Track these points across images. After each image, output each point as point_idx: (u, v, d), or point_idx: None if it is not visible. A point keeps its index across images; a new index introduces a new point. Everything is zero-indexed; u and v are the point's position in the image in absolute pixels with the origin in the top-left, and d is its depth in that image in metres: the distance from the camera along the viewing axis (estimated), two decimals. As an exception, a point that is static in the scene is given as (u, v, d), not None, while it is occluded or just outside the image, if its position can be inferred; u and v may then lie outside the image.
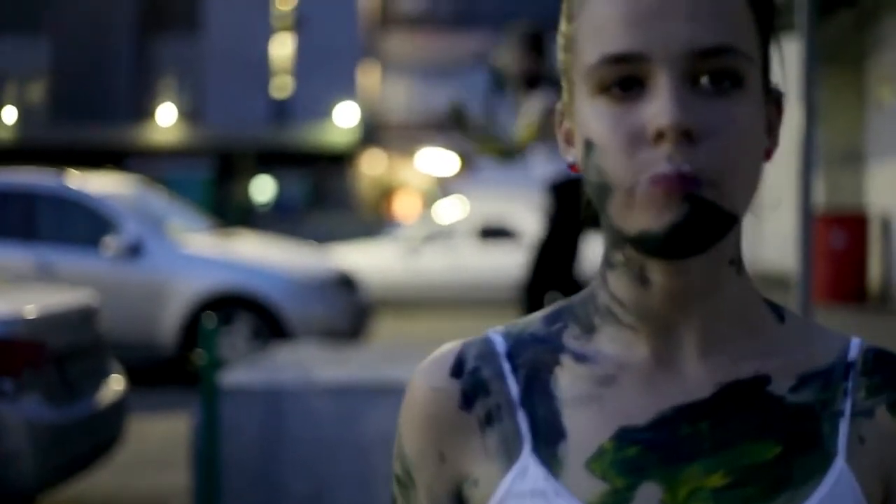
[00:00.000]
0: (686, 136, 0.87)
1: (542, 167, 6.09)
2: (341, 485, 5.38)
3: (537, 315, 1.01)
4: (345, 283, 10.38)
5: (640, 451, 0.92)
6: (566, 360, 0.97)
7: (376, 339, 11.25)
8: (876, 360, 0.97)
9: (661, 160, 0.87)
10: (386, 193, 67.09)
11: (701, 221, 0.87)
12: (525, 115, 5.69)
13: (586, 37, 0.92)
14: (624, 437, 0.92)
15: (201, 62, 62.56)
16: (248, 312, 9.63)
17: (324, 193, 64.37)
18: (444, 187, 31.07)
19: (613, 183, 0.89)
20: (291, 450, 5.40)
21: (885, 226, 14.05)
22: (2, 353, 4.92)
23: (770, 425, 0.93)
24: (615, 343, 0.96)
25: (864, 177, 15.25)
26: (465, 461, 0.98)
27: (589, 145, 0.91)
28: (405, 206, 41.05)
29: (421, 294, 15.04)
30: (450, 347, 1.01)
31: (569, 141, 0.97)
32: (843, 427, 0.94)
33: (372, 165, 65.89)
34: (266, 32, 63.96)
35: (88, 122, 59.93)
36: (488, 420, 0.97)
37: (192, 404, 7.28)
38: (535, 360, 0.98)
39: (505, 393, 0.97)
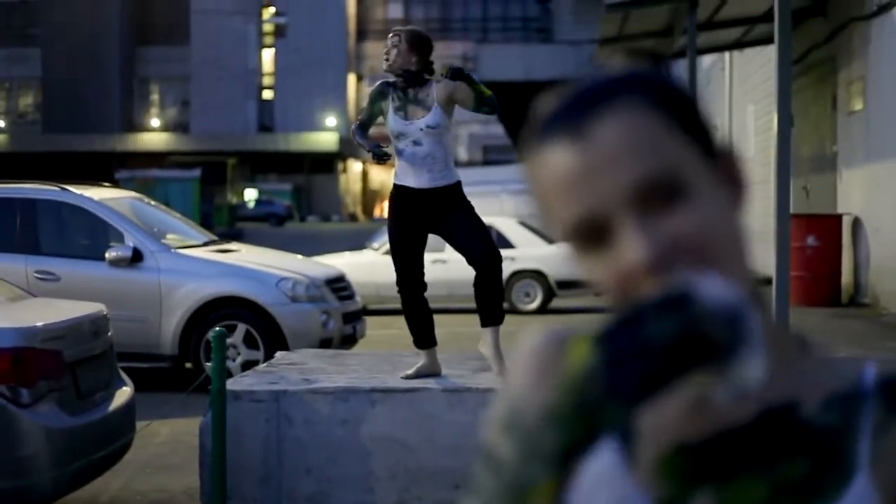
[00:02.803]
0: (664, 263, 0.97)
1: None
2: (345, 486, 5.57)
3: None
4: (339, 289, 10.59)
5: (696, 462, 1.05)
6: None
7: (365, 346, 11.43)
8: (889, 384, 1.08)
9: (658, 291, 0.95)
10: (370, 199, 67.08)
11: None
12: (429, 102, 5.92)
13: (547, 210, 1.03)
14: (683, 448, 1.05)
15: (189, 72, 62.58)
16: (245, 318, 9.84)
17: (309, 199, 64.42)
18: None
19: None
20: (296, 453, 5.59)
21: (855, 228, 14.28)
22: (18, 363, 5.11)
23: (801, 445, 1.05)
24: None
25: (836, 181, 15.45)
26: None
27: (598, 284, 1.03)
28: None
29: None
30: (564, 327, 1.11)
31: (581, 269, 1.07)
32: (865, 445, 1.05)
33: (356, 172, 66.01)
34: (253, 43, 64.08)
35: (79, 131, 59.84)
36: None
37: (193, 408, 7.52)
38: None
39: None
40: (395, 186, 5.97)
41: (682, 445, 1.05)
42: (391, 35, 6.03)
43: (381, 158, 6.00)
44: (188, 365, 9.92)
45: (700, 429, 1.06)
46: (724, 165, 1.03)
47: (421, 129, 5.86)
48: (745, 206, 1.05)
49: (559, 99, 1.03)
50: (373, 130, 6.25)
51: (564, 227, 1.01)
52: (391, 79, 6.00)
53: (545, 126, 1.02)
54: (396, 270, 5.90)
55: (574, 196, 0.99)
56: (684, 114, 1.01)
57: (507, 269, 5.79)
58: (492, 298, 5.84)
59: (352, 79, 66.65)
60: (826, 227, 13.93)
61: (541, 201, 1.04)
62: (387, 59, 5.96)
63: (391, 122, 5.94)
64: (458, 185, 5.99)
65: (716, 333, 0.90)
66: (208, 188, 39.81)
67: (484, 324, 5.85)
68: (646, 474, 1.05)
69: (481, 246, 5.83)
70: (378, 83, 6.09)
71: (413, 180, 5.88)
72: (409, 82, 5.93)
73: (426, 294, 6.02)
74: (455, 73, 5.97)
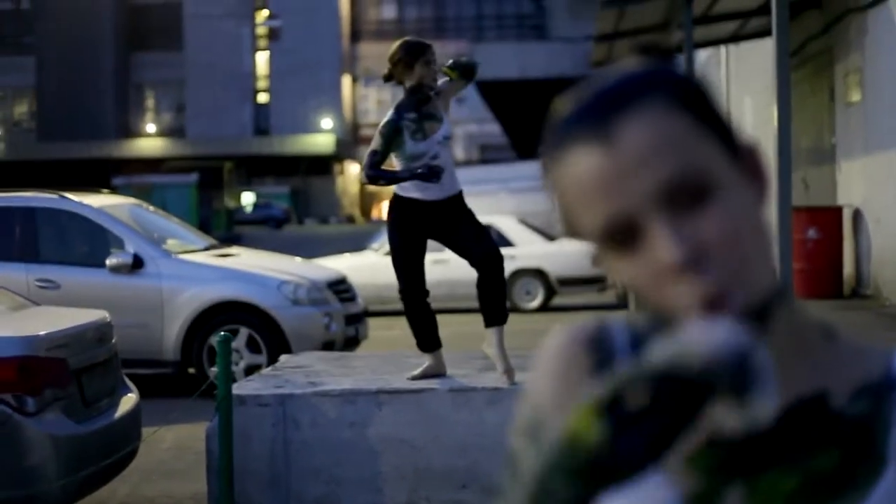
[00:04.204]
0: (695, 261, 0.97)
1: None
2: (353, 488, 5.57)
3: (645, 317, 1.12)
4: (341, 291, 10.59)
5: (727, 456, 1.05)
6: None
7: (368, 347, 11.42)
8: None
9: (689, 293, 0.98)
10: (368, 200, 67.09)
11: (754, 322, 0.99)
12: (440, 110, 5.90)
13: (572, 212, 1.02)
14: (714, 442, 1.04)
15: (183, 77, 62.61)
16: (247, 323, 9.84)
17: (307, 202, 64.44)
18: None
19: (667, 309, 1.01)
20: (303, 456, 5.58)
21: (856, 220, 14.27)
22: (23, 372, 5.10)
23: (832, 436, 1.05)
24: None
25: (835, 173, 15.44)
26: None
27: (626, 287, 1.04)
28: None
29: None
30: (592, 321, 1.13)
31: (607, 273, 1.07)
32: (895, 435, 1.05)
33: (353, 173, 65.96)
34: (247, 46, 64.10)
35: (74, 139, 59.87)
36: None
37: (198, 414, 7.50)
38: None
39: None
40: (398, 198, 5.88)
41: (714, 440, 1.05)
42: (432, 53, 5.85)
43: (437, 174, 5.71)
44: (191, 370, 9.91)
45: (729, 423, 1.05)
46: (746, 160, 1.03)
47: (439, 143, 5.81)
48: (767, 200, 1.05)
49: (579, 100, 1.02)
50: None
51: (592, 230, 1.01)
52: (393, 113, 5.86)
53: (567, 128, 1.01)
54: (399, 279, 5.88)
55: (602, 199, 0.98)
56: (706, 111, 1.01)
57: (508, 267, 5.78)
58: (495, 298, 5.83)
59: (346, 80, 66.67)
60: (827, 219, 13.93)
61: (564, 204, 1.03)
62: (436, 81, 5.85)
63: (410, 149, 5.78)
64: (461, 193, 5.97)
65: (724, 385, 0.90)
66: (206, 193, 39.83)
67: (488, 324, 5.84)
68: (674, 470, 1.05)
69: (483, 248, 5.82)
70: (388, 120, 5.88)
71: (420, 193, 5.82)
72: (425, 100, 5.85)
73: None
74: (457, 68, 5.97)
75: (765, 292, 1.00)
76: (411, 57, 5.84)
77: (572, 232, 1.05)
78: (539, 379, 1.11)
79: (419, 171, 5.71)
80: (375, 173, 5.81)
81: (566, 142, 1.01)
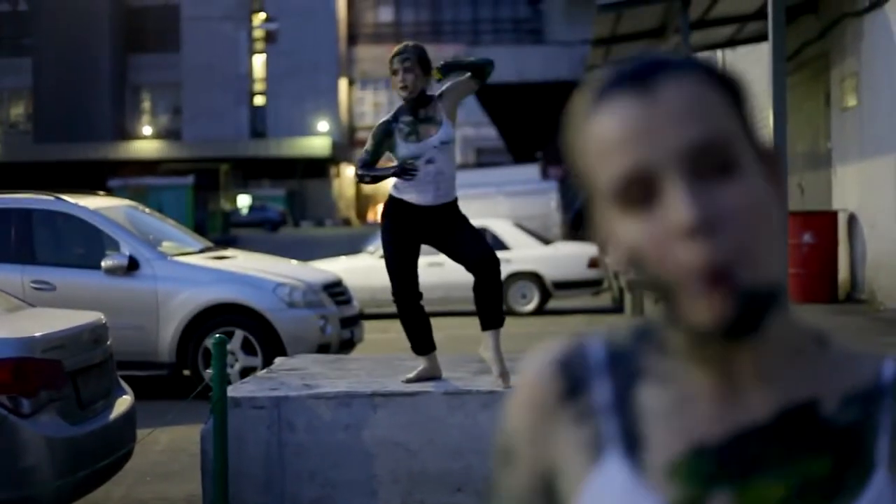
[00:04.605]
0: (708, 227, 0.98)
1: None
2: (348, 490, 5.56)
3: (628, 328, 1.14)
4: (336, 293, 10.59)
5: (714, 464, 1.05)
6: (650, 375, 1.10)
7: (364, 350, 11.42)
8: None
9: (695, 258, 0.98)
10: (364, 203, 67.09)
11: (750, 310, 1.00)
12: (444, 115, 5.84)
13: (594, 164, 1.04)
14: (700, 450, 1.05)
15: (180, 79, 62.61)
16: (243, 325, 9.83)
17: (303, 204, 64.44)
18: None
19: (664, 283, 1.01)
20: (298, 458, 5.58)
21: (851, 224, 14.28)
22: (19, 374, 5.09)
23: (822, 443, 1.05)
24: (686, 367, 1.08)
25: (831, 178, 15.45)
26: (557, 450, 1.10)
27: (631, 254, 1.03)
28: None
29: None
30: (560, 345, 1.14)
31: (607, 244, 1.07)
32: (884, 441, 1.06)
33: (349, 176, 65.93)
34: (244, 49, 64.10)
35: (70, 140, 59.84)
36: (581, 418, 1.09)
37: (193, 416, 7.49)
38: (627, 372, 1.10)
39: (600, 397, 1.10)
40: (393, 199, 5.88)
41: (700, 448, 1.05)
42: (400, 59, 5.78)
43: (410, 172, 5.76)
44: (186, 372, 9.91)
45: (716, 428, 1.06)
46: (766, 161, 1.06)
47: (435, 147, 5.79)
48: (783, 203, 1.07)
49: (623, 64, 1.05)
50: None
51: (611, 182, 1.02)
52: (390, 115, 5.86)
53: (610, 83, 1.04)
54: (392, 281, 5.88)
55: (631, 149, 1.00)
56: (740, 101, 1.05)
57: (503, 271, 5.77)
58: (491, 302, 5.83)
59: (343, 83, 66.69)
60: (822, 223, 13.93)
61: (589, 159, 1.04)
62: (405, 87, 5.76)
63: (402, 151, 5.79)
64: (456, 200, 5.97)
65: None
66: (202, 195, 39.79)
67: (484, 327, 5.84)
68: (657, 479, 1.05)
69: (479, 252, 5.81)
70: (381, 122, 5.92)
71: (416, 197, 5.81)
72: (421, 103, 5.83)
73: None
74: (446, 69, 5.90)
75: (769, 284, 1.01)
76: (424, 62, 5.85)
77: (584, 191, 1.07)
78: (513, 407, 1.13)
79: (403, 165, 5.76)
80: (363, 172, 5.91)
81: (606, 94, 1.03)
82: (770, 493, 1.04)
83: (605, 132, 1.02)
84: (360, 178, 5.96)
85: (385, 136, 5.83)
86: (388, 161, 5.97)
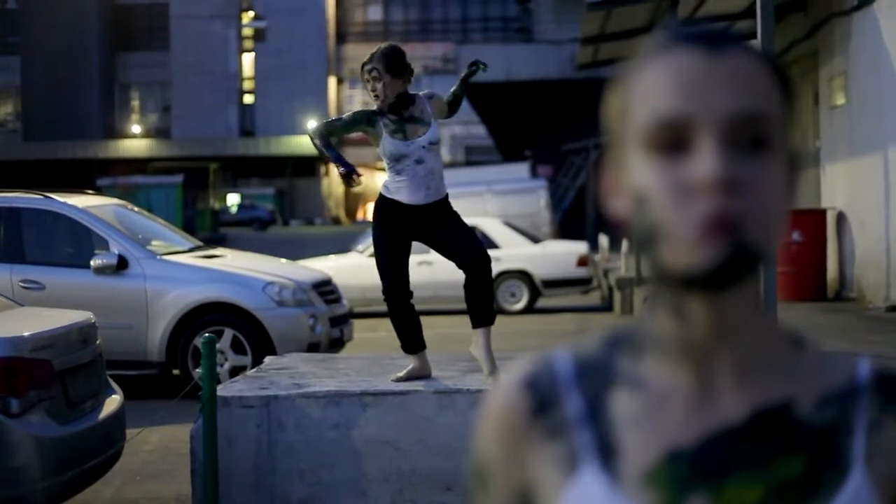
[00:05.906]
0: (729, 187, 1.01)
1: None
2: (338, 490, 5.56)
3: (598, 337, 1.15)
4: (326, 292, 10.58)
5: (689, 467, 1.05)
6: (623, 382, 1.10)
7: (353, 349, 11.42)
8: (883, 379, 1.11)
9: (707, 206, 1.01)
10: (353, 202, 67.07)
11: (741, 261, 1.02)
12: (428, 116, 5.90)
13: (639, 102, 1.06)
14: (675, 455, 1.06)
15: (169, 77, 62.44)
16: (232, 324, 9.82)
17: (292, 203, 64.37)
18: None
19: (663, 228, 1.03)
20: (288, 457, 5.58)
21: (840, 223, 14.32)
22: (7, 373, 5.09)
23: (797, 444, 1.06)
24: (661, 370, 1.09)
25: (819, 176, 15.49)
26: (531, 468, 1.11)
27: (640, 196, 1.05)
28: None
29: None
30: (526, 362, 1.14)
31: (614, 189, 1.10)
32: (860, 441, 1.07)
33: (338, 175, 65.89)
34: (233, 47, 63.96)
35: (59, 139, 59.64)
36: (554, 433, 1.10)
37: (182, 416, 7.49)
38: (598, 381, 1.11)
39: (571, 410, 1.10)
40: (384, 199, 5.88)
41: (675, 453, 1.06)
42: (367, 70, 5.85)
43: (350, 182, 5.89)
44: (176, 372, 9.89)
45: (691, 431, 1.07)
46: (791, 162, 1.09)
47: (423, 147, 5.81)
48: (791, 205, 1.09)
49: (697, 25, 1.09)
50: (361, 154, 6.18)
51: (650, 121, 1.04)
52: (377, 108, 5.89)
53: (681, 36, 1.08)
54: (383, 280, 5.88)
55: (683, 95, 1.03)
56: (788, 97, 1.09)
57: (493, 269, 5.77)
58: (482, 300, 5.84)
59: (332, 82, 66.60)
60: (811, 221, 13.96)
61: (634, 99, 1.07)
62: (377, 97, 5.82)
63: (390, 146, 5.81)
64: (447, 197, 5.99)
65: None
66: (191, 194, 39.68)
67: (475, 325, 5.85)
68: (634, 486, 1.06)
69: (470, 250, 5.83)
70: (369, 109, 5.96)
71: (407, 197, 5.82)
72: (404, 104, 5.86)
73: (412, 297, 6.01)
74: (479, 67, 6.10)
75: (762, 248, 1.03)
76: (393, 68, 5.88)
77: (617, 127, 1.09)
78: (482, 432, 1.14)
79: (352, 174, 5.87)
80: (319, 138, 5.90)
81: (675, 45, 1.07)
82: (746, 494, 1.05)
83: (663, 74, 1.05)
84: (312, 136, 5.96)
85: (365, 122, 5.90)
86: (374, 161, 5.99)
